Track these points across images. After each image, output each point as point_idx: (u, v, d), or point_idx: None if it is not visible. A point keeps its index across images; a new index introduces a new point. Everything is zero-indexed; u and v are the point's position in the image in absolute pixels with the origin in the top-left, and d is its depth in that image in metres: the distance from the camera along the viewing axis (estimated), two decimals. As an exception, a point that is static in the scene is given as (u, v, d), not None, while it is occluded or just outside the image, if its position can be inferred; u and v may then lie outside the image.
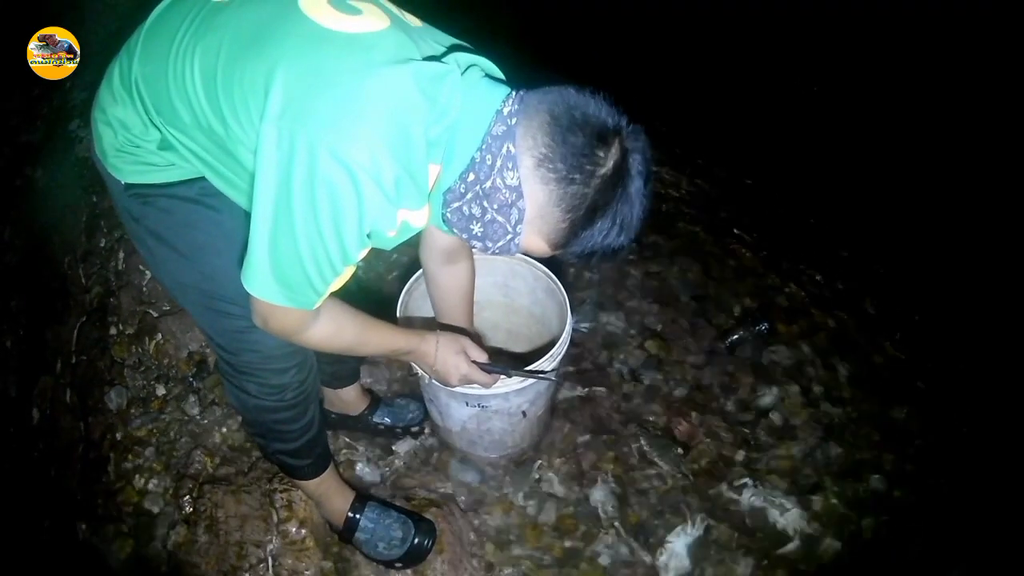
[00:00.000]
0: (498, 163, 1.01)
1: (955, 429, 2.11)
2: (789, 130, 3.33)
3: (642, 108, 1.06)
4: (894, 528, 1.89)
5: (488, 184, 1.03)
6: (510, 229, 1.05)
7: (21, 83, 2.83)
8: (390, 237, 1.06)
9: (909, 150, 3.12)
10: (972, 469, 2.01)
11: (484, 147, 1.03)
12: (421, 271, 1.73)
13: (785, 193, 3.02)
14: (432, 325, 1.62)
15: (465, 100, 1.03)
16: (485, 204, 1.05)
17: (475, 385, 1.49)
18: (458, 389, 1.53)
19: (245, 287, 1.03)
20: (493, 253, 1.12)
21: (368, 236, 1.02)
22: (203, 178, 1.15)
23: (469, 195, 1.06)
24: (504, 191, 1.02)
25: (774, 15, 3.71)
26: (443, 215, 1.13)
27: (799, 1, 3.65)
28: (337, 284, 1.06)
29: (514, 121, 1.00)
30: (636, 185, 1.00)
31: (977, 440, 2.07)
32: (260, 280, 1.01)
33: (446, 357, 1.41)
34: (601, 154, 0.96)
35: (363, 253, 1.05)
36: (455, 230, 1.13)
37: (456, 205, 1.09)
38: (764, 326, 2.31)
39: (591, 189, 0.97)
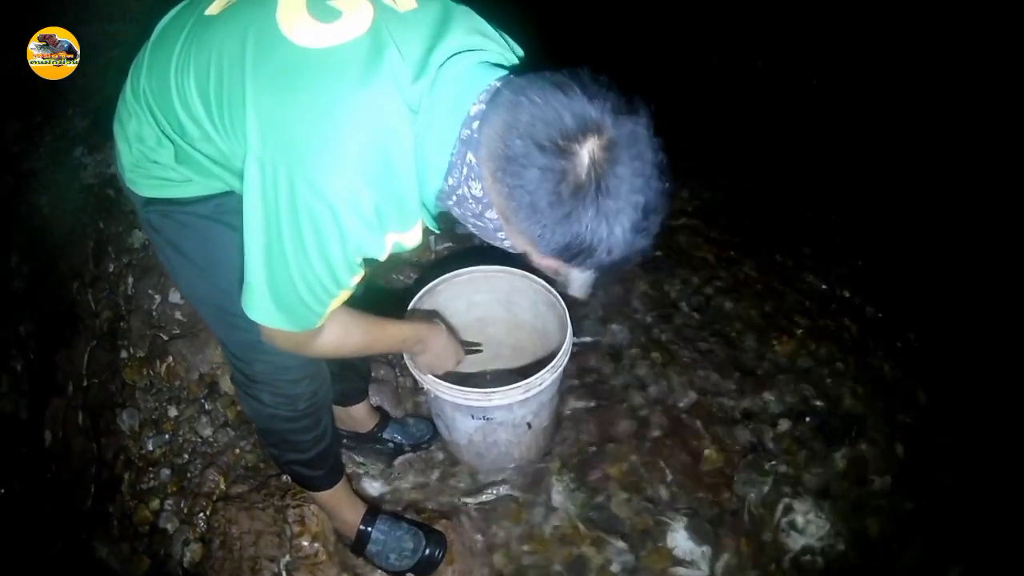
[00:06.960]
0: (464, 171, 0.95)
1: (955, 429, 2.12)
2: (794, 135, 3.30)
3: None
4: (894, 528, 1.91)
5: (460, 192, 0.98)
6: (493, 235, 1.01)
7: (20, 111, 2.86)
8: (384, 259, 1.04)
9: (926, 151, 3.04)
10: (972, 469, 2.02)
11: (455, 151, 0.96)
12: (426, 288, 1.78)
13: (788, 201, 3.04)
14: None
15: (433, 103, 0.95)
16: (461, 210, 1.02)
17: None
18: (462, 401, 1.60)
19: (248, 316, 1.04)
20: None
21: (359, 264, 1.02)
22: (219, 195, 1.15)
23: (453, 198, 1.01)
24: (471, 201, 0.97)
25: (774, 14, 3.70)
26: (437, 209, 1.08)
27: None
28: (336, 303, 1.06)
29: (477, 124, 0.92)
30: (610, 205, 0.84)
31: (977, 440, 2.08)
32: (262, 308, 1.03)
33: (448, 340, 1.56)
34: (563, 163, 0.83)
35: (356, 279, 1.04)
36: (460, 220, 1.06)
37: (450, 203, 1.03)
38: None
39: (548, 206, 0.85)
